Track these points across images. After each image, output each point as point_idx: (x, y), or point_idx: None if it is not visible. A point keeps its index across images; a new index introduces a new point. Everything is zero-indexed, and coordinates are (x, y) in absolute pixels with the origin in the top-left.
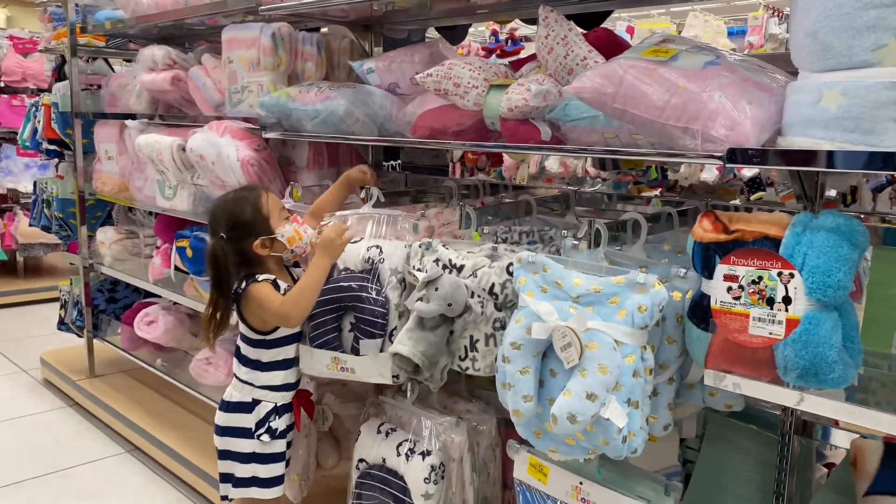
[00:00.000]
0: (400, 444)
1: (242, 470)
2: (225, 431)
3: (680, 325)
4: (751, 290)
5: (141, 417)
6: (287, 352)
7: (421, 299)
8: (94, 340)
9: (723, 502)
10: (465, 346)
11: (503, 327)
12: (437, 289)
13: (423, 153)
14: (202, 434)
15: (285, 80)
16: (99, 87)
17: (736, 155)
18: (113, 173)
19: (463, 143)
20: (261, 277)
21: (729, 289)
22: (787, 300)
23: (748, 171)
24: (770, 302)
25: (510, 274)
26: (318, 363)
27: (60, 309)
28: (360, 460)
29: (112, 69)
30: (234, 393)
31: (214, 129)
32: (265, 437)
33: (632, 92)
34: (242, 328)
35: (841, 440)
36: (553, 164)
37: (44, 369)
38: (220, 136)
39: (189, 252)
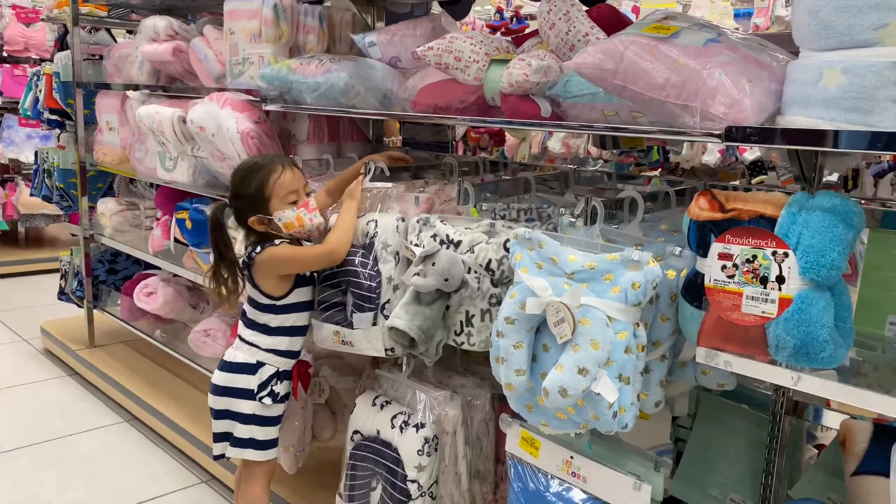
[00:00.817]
0: (394, 417)
1: (241, 430)
2: (225, 391)
3: (673, 303)
4: (745, 269)
5: (139, 387)
6: (295, 319)
7: (418, 274)
8: (94, 311)
9: (713, 480)
10: (461, 322)
11: (499, 303)
12: (433, 264)
13: (424, 129)
14: (200, 404)
15: (287, 52)
16: (101, 57)
17: (734, 133)
18: (114, 144)
19: (463, 119)
20: (277, 242)
21: (723, 267)
22: (780, 279)
23: (750, 155)
24: (764, 281)
25: (507, 250)
26: (324, 336)
27: (61, 279)
28: (355, 432)
29: (115, 40)
30: (238, 354)
31: (215, 100)
32: (267, 400)
33: (632, 68)
34: (252, 292)
35: (832, 421)
36: (555, 144)
37: (44, 339)
38: (220, 108)
39: (189, 224)
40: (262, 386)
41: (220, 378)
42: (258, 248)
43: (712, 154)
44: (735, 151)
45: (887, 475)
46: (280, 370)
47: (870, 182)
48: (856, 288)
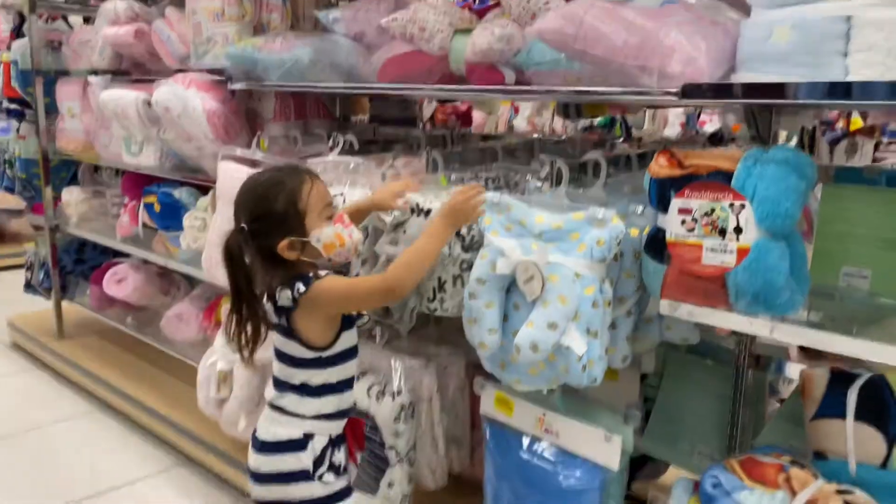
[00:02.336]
0: (370, 387)
1: None
2: (273, 479)
3: (637, 260)
4: (704, 222)
5: (112, 375)
6: (342, 371)
7: (390, 242)
8: (63, 302)
9: (682, 435)
10: (434, 288)
11: (470, 268)
12: (405, 231)
13: (391, 106)
14: (174, 389)
15: (251, 31)
16: (60, 43)
17: (690, 90)
18: (77, 131)
19: (429, 88)
20: (322, 273)
21: (683, 221)
22: (738, 230)
23: (710, 127)
24: (722, 232)
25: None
26: None
27: (27, 271)
28: None
29: (71, 29)
30: (277, 430)
31: (180, 81)
32: (329, 477)
33: (592, 32)
34: (285, 346)
35: (794, 374)
36: (521, 122)
37: (11, 332)
38: (185, 89)
39: (157, 207)
40: (318, 462)
41: (261, 463)
42: (300, 287)
43: (673, 127)
44: (695, 124)
45: (843, 417)
46: (334, 436)
47: (825, 149)
48: (812, 246)
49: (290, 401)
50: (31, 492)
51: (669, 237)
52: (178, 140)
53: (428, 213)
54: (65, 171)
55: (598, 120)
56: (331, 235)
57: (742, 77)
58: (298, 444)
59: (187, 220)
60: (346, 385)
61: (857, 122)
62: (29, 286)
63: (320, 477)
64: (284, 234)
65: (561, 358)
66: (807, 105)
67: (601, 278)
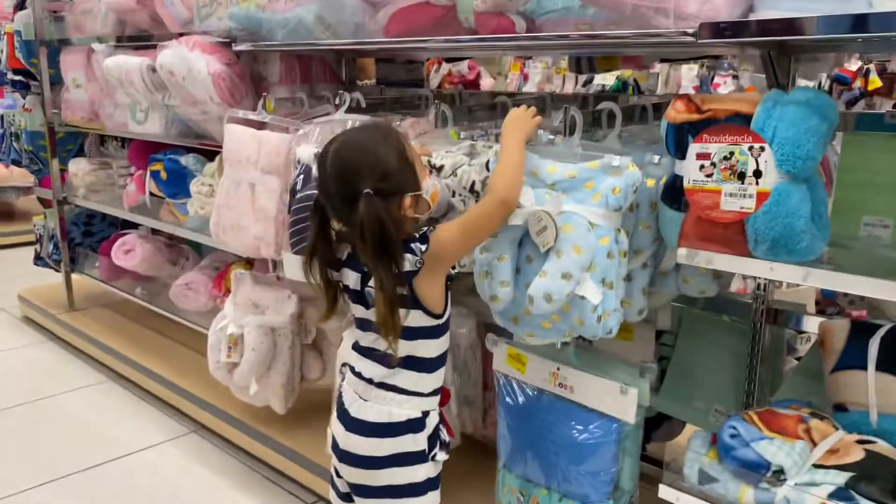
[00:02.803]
0: None
1: None
2: (385, 463)
3: (654, 211)
4: (722, 167)
5: (122, 346)
6: (448, 339)
7: None
8: (73, 274)
9: (698, 394)
10: None
11: None
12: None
13: (398, 68)
14: (185, 358)
15: None
16: (63, 13)
17: (707, 29)
18: (82, 102)
19: (436, 40)
20: (426, 231)
21: (701, 167)
22: (757, 174)
23: (723, 90)
24: (741, 177)
25: (489, 170)
26: (295, 268)
27: (36, 243)
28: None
29: None
30: (394, 410)
31: (184, 43)
32: (441, 455)
33: None
34: (410, 317)
35: (812, 327)
36: (531, 89)
37: (22, 306)
38: (189, 51)
39: (164, 175)
40: (432, 441)
41: (373, 447)
42: (420, 246)
43: (687, 91)
44: (709, 87)
45: (865, 368)
46: (439, 411)
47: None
48: (831, 195)
49: (408, 378)
50: (45, 459)
51: (687, 183)
52: (184, 105)
53: (440, 169)
54: (71, 143)
55: (610, 85)
56: (432, 186)
57: (760, 15)
58: (418, 424)
59: (194, 186)
60: (447, 354)
61: (875, 81)
62: (38, 259)
63: (433, 457)
64: (406, 190)
65: (575, 309)
66: (827, 45)
67: (616, 228)
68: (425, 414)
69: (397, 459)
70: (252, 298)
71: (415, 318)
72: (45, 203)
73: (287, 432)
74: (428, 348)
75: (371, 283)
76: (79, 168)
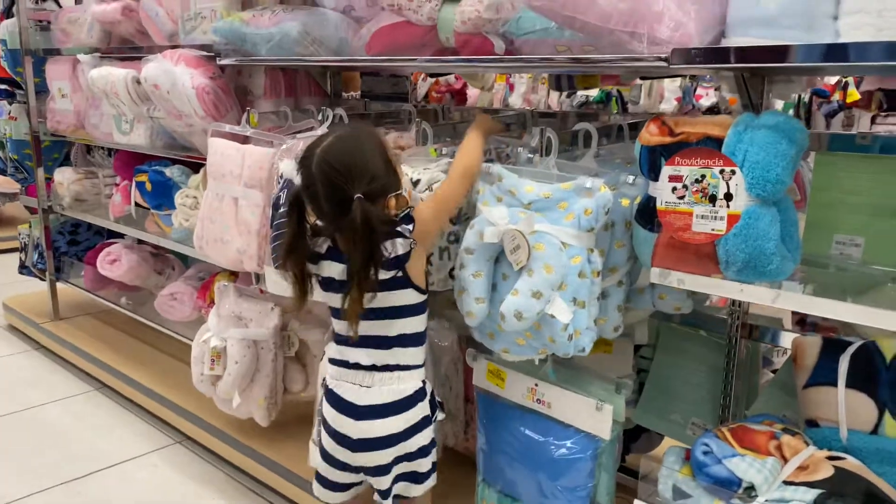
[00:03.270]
0: None
1: (425, 464)
2: (405, 435)
3: (628, 230)
4: (694, 189)
5: (108, 356)
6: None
7: None
8: (58, 283)
9: (675, 407)
10: None
11: (457, 241)
12: None
13: (382, 82)
14: (169, 368)
15: (239, 5)
16: (49, 23)
17: (680, 55)
18: (68, 111)
19: (417, 60)
20: (408, 214)
21: (674, 189)
22: (728, 196)
23: (706, 101)
24: (713, 199)
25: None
26: (277, 281)
27: (21, 252)
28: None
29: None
30: (401, 386)
31: (168, 57)
32: (440, 415)
33: None
34: (396, 298)
35: (787, 342)
36: (516, 100)
37: (7, 314)
38: (174, 65)
39: (148, 186)
40: (432, 404)
41: (390, 426)
42: (407, 227)
43: (669, 102)
44: (691, 98)
45: (835, 384)
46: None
47: (822, 122)
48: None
49: (406, 354)
50: (29, 470)
51: (660, 205)
52: (169, 117)
53: (416, 183)
54: (56, 151)
55: (593, 96)
56: (407, 184)
57: (732, 41)
58: (422, 393)
59: (179, 198)
60: None
61: (853, 94)
62: (23, 267)
63: (435, 419)
64: (390, 191)
65: (546, 327)
66: (797, 70)
67: (589, 248)
68: (424, 382)
69: (414, 429)
70: (235, 311)
71: (407, 297)
72: (32, 210)
73: (271, 444)
74: (416, 324)
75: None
76: (64, 177)
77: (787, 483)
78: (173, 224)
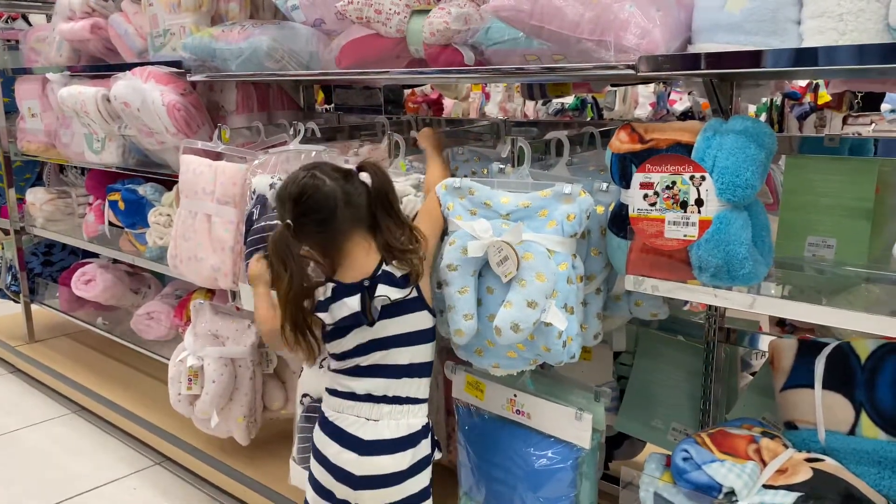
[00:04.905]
0: None
1: None
2: (409, 473)
3: (604, 237)
4: (665, 196)
5: (85, 377)
6: None
7: None
8: (32, 305)
9: (656, 412)
10: None
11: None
12: None
13: (356, 94)
14: (147, 388)
15: (208, 21)
16: (17, 42)
17: (647, 63)
18: (38, 131)
19: (389, 72)
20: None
21: (645, 196)
22: (699, 202)
23: (680, 105)
24: (684, 205)
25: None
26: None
27: None
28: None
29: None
30: (410, 421)
31: (138, 74)
32: (438, 454)
33: (548, 8)
34: (411, 323)
35: (764, 345)
36: (492, 108)
37: None
38: (143, 82)
39: (121, 205)
40: (433, 443)
41: (395, 462)
42: (413, 243)
43: (644, 108)
44: (665, 104)
45: (812, 386)
46: None
47: (795, 125)
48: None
49: (416, 385)
50: (7, 496)
51: (632, 212)
52: (140, 135)
53: None
54: (28, 171)
55: (568, 103)
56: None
57: (698, 48)
58: (427, 430)
59: (152, 216)
60: None
61: (824, 96)
62: None
63: (433, 458)
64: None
65: (541, 336)
66: (765, 74)
67: (572, 254)
68: (427, 418)
69: (417, 467)
70: (212, 329)
71: (422, 321)
72: (4, 231)
73: (251, 463)
74: (427, 352)
75: (379, 291)
76: (36, 198)
77: (766, 487)
78: (147, 242)
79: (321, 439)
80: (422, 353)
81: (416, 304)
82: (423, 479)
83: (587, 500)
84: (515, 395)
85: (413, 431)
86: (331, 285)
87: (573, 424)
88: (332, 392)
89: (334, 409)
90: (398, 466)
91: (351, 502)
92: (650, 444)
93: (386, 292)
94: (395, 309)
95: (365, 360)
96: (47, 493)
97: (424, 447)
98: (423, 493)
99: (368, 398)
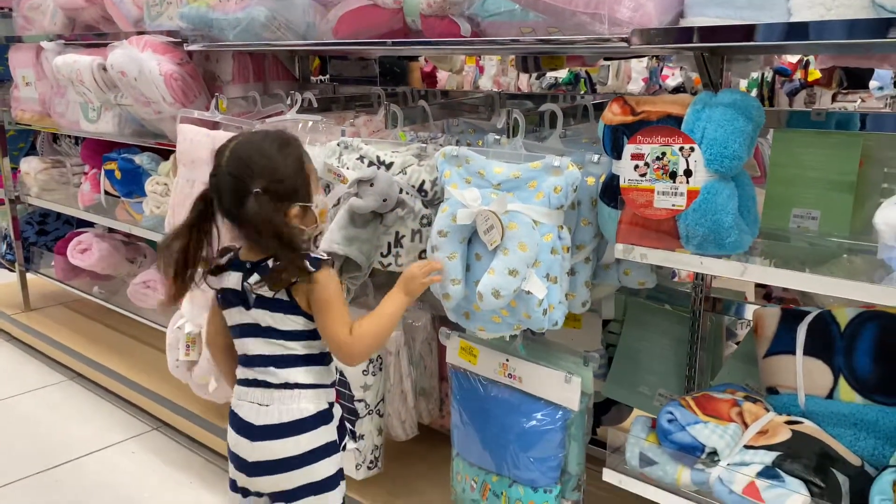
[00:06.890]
0: None
1: (335, 498)
2: (305, 459)
3: (594, 207)
4: (655, 167)
5: (81, 345)
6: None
7: (356, 195)
8: (28, 274)
9: (643, 379)
10: (390, 243)
11: (429, 224)
12: (371, 184)
13: (351, 65)
14: (144, 355)
15: None
16: (10, 10)
17: (639, 35)
18: (32, 100)
19: (384, 43)
20: (323, 257)
21: (636, 167)
22: (688, 173)
23: (672, 81)
24: (673, 176)
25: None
26: None
27: None
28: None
29: None
30: (302, 405)
31: (134, 43)
32: (350, 444)
33: None
34: (283, 322)
35: (749, 314)
36: (486, 82)
37: None
38: (140, 51)
39: (118, 174)
40: (340, 430)
41: (288, 447)
42: (308, 265)
43: (637, 83)
44: (658, 79)
45: (793, 353)
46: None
47: (785, 101)
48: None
49: (308, 372)
50: (4, 462)
51: (623, 182)
52: (137, 104)
53: (389, 166)
54: (22, 140)
55: (562, 77)
56: (322, 203)
57: (690, 21)
58: (327, 415)
59: (149, 185)
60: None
61: (814, 73)
62: None
63: (344, 447)
64: (295, 199)
65: (522, 304)
66: (755, 48)
67: (559, 225)
68: (331, 405)
69: (315, 454)
70: (209, 296)
71: (296, 323)
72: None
73: None
74: (315, 346)
75: (252, 278)
76: (31, 167)
77: (747, 447)
78: (144, 212)
79: (228, 430)
80: (304, 347)
81: (287, 307)
82: (326, 467)
83: (575, 461)
84: (507, 360)
85: (305, 416)
86: (231, 255)
87: (563, 387)
88: (237, 382)
89: (236, 397)
90: (288, 452)
91: (251, 490)
92: (637, 410)
93: (253, 280)
94: (271, 303)
95: (250, 346)
96: (46, 457)
97: (324, 433)
98: (329, 482)
99: (258, 384)
